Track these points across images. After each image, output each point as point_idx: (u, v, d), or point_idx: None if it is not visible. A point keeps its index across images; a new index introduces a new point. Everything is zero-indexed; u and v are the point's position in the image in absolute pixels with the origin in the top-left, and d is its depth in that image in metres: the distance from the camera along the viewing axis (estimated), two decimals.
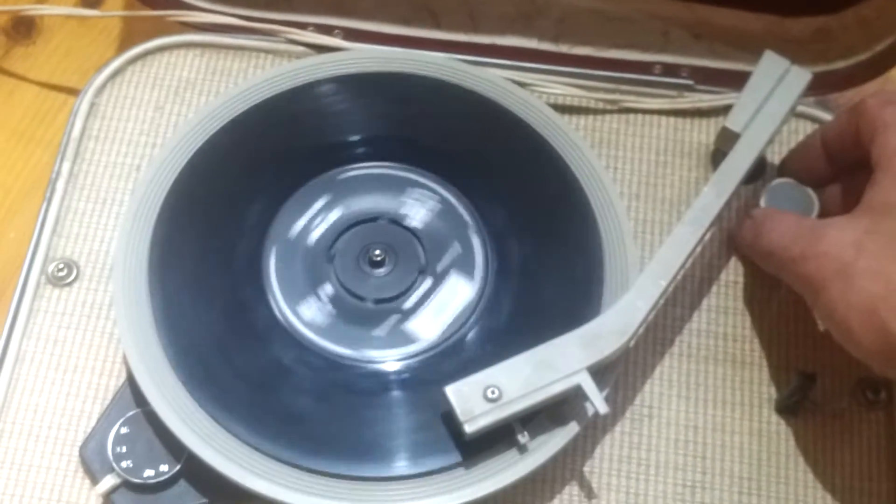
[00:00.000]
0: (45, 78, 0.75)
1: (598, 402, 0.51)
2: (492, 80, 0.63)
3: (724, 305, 0.60)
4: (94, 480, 0.54)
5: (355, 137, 0.62)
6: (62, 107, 0.73)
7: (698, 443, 0.57)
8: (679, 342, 0.59)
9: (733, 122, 0.59)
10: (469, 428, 0.50)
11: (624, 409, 0.57)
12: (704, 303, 0.60)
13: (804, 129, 0.65)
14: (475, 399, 0.51)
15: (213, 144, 0.60)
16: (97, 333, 0.58)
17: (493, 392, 0.51)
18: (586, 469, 0.56)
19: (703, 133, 0.65)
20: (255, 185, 0.60)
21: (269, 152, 0.61)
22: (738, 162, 0.57)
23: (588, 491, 0.55)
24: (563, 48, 0.68)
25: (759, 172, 0.62)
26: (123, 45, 0.72)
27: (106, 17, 0.75)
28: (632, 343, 0.54)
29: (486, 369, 0.52)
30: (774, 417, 0.57)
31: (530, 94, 0.63)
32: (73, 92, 0.73)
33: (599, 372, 0.53)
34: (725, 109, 0.63)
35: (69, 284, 0.59)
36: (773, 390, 0.58)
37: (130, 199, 0.59)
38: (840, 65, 0.66)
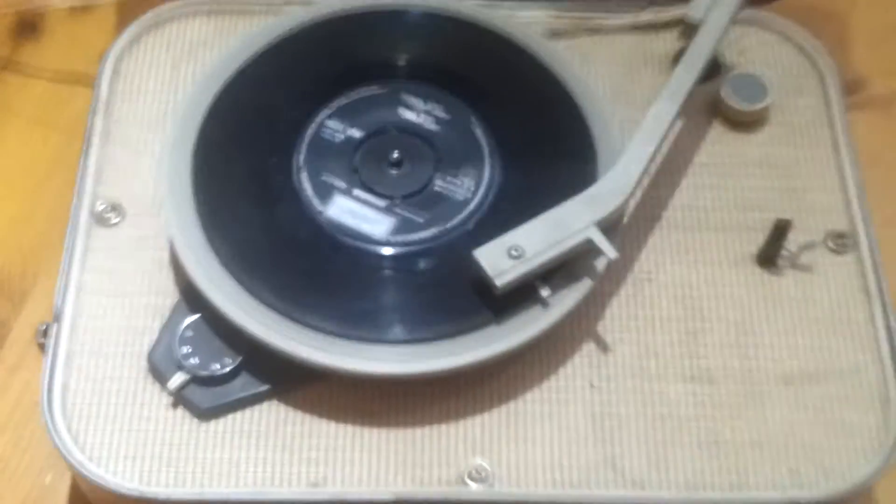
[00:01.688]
0: (54, 68, 0.81)
1: (607, 249, 0.58)
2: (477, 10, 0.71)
3: (702, 183, 0.67)
4: (164, 381, 0.59)
5: (368, 64, 0.69)
6: (72, 93, 0.80)
7: (695, 297, 0.63)
8: (666, 217, 0.66)
9: (692, 15, 0.67)
10: (499, 282, 0.57)
11: (625, 277, 0.64)
12: (683, 182, 0.67)
13: (750, 34, 0.73)
14: (501, 258, 0.57)
15: (246, 71, 0.68)
16: (147, 261, 0.64)
17: (515, 251, 0.58)
18: (599, 328, 0.62)
19: (666, 44, 0.72)
20: (285, 101, 0.67)
21: (298, 74, 0.68)
22: (705, 41, 0.65)
23: (604, 346, 0.61)
24: None
25: (716, 70, 0.70)
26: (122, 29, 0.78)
27: (108, 4, 0.82)
28: (630, 208, 0.61)
29: (506, 233, 0.58)
30: (758, 269, 0.64)
31: (510, 18, 0.71)
32: (82, 79, 0.79)
33: (604, 232, 0.60)
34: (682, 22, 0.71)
35: (115, 225, 0.65)
36: (753, 248, 0.65)
37: (173, 118, 0.66)
38: None
